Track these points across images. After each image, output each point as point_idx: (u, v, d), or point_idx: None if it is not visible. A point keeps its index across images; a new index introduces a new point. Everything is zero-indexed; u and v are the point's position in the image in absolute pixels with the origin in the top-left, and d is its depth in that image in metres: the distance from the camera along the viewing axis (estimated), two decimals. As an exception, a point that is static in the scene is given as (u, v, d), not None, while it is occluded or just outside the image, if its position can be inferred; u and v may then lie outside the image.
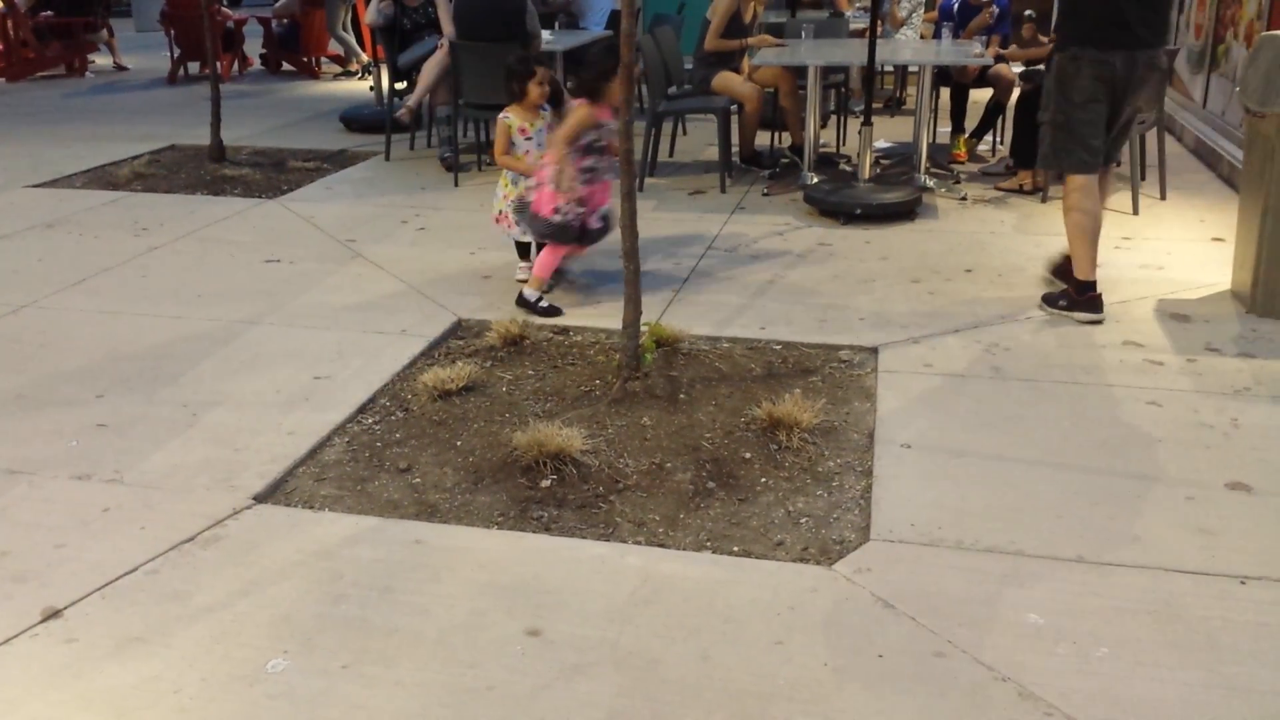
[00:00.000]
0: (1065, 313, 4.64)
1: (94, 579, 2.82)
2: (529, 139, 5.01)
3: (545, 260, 4.77)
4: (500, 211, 5.08)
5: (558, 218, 4.65)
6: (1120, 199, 6.47)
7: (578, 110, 4.65)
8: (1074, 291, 4.66)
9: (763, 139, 7.94)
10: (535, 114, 5.04)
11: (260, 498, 3.25)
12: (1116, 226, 5.98)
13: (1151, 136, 6.67)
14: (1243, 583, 2.78)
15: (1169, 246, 5.62)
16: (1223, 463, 3.38)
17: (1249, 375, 4.01)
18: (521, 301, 4.74)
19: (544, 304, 4.72)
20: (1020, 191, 6.78)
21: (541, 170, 4.77)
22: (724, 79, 7.32)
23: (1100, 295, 4.62)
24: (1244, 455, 3.43)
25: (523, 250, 5.17)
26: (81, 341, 4.46)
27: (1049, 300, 4.74)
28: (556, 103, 5.05)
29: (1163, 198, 6.52)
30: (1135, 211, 6.21)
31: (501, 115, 5.03)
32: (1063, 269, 4.86)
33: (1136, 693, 2.38)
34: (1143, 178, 6.49)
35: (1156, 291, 4.92)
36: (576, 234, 4.71)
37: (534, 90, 4.98)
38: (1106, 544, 2.95)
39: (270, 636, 2.59)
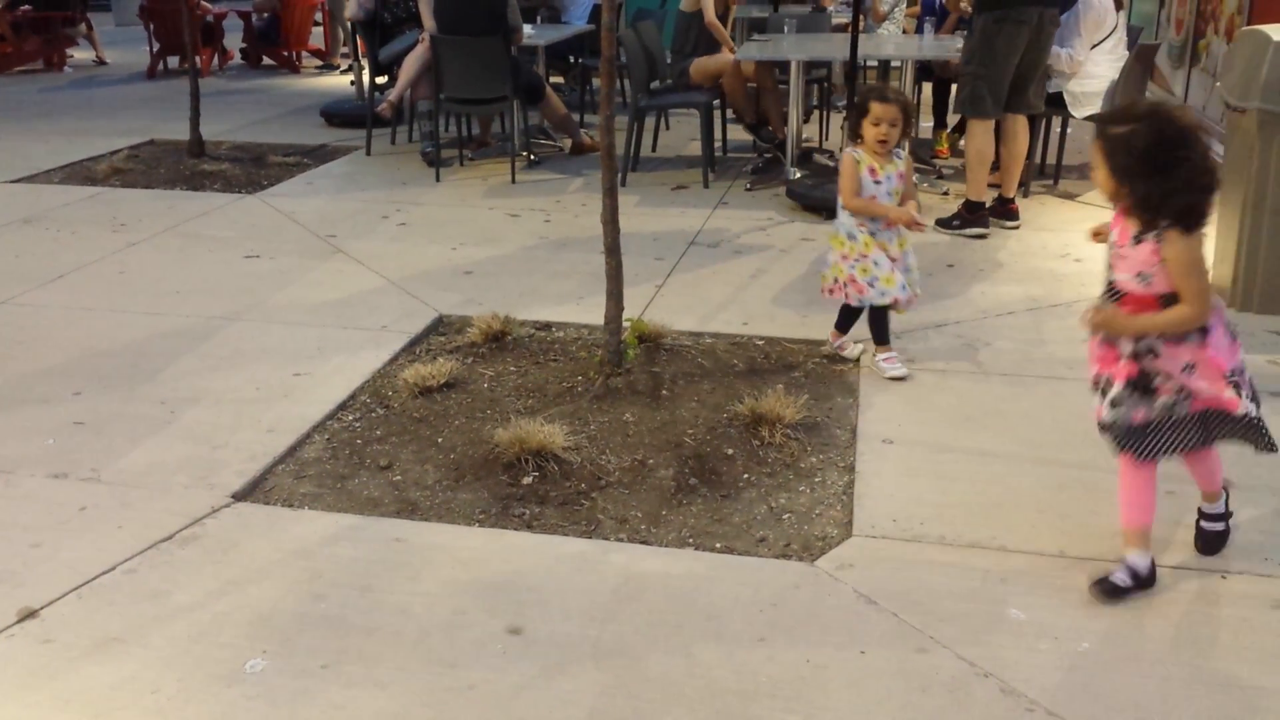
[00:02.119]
0: (958, 231, 5.74)
1: (71, 578, 2.79)
2: (878, 183, 3.97)
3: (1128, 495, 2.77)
4: (835, 280, 4.03)
5: (1112, 414, 2.68)
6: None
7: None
8: (965, 211, 5.79)
9: (746, 135, 7.93)
10: (888, 155, 4.00)
11: (239, 496, 3.22)
12: (1098, 221, 5.97)
13: (1132, 131, 6.67)
14: (1224, 577, 2.78)
15: (1150, 241, 5.62)
16: (1203, 457, 3.38)
17: (1229, 370, 4.02)
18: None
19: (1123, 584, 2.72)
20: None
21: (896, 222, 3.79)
22: (699, 64, 7.31)
23: (987, 215, 5.78)
24: (1224, 450, 3.43)
25: (845, 318, 4.18)
26: (59, 339, 4.41)
27: (942, 223, 5.83)
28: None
29: (1144, 192, 6.52)
30: (1116, 206, 6.21)
31: (848, 150, 4.04)
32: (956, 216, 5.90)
33: (1118, 688, 2.38)
34: (1124, 172, 6.49)
35: (1137, 286, 4.93)
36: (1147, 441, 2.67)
37: (868, 131, 3.92)
38: (1088, 538, 2.95)
39: (249, 636, 2.57)
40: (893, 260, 3.96)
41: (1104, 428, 2.71)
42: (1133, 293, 2.70)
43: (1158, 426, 2.65)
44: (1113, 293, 2.77)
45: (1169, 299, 2.62)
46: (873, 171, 3.96)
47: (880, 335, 4.07)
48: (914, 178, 4.09)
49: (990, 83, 5.61)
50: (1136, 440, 2.66)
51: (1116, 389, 2.66)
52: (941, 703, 2.34)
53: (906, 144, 4.05)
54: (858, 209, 3.96)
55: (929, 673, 2.44)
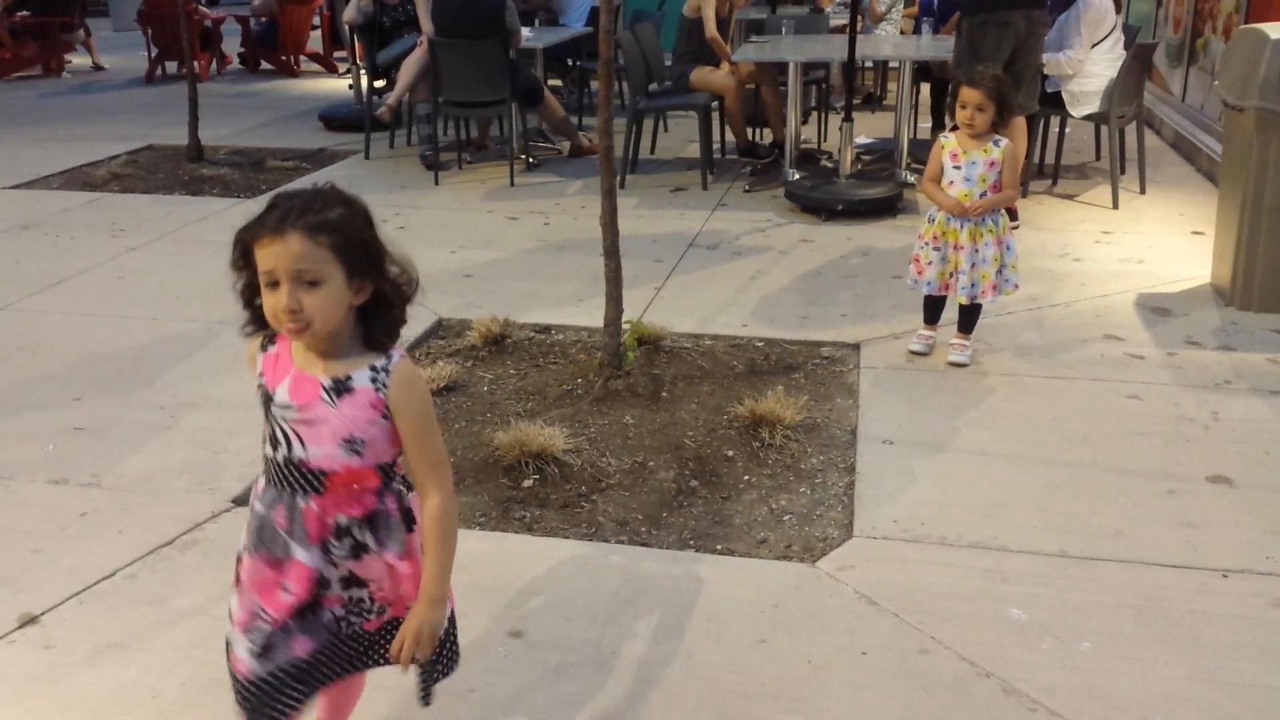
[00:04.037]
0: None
1: (71, 584, 2.79)
2: (957, 168, 3.94)
3: None
4: (915, 260, 4.10)
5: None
6: (1100, 193, 6.49)
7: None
8: None
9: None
10: (979, 140, 3.92)
11: (239, 500, 3.21)
12: (1097, 221, 5.99)
13: (1131, 131, 6.69)
14: (1224, 576, 2.78)
15: (1149, 240, 5.63)
16: (1203, 456, 3.39)
17: (1229, 368, 4.03)
18: None
19: None
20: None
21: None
22: (701, 74, 7.31)
23: None
24: (1224, 448, 3.44)
25: (932, 309, 4.21)
26: (58, 344, 4.41)
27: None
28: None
29: (1142, 192, 6.53)
30: (1115, 206, 6.22)
31: (942, 134, 4.08)
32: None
33: (1119, 687, 2.38)
34: (1122, 172, 6.51)
35: (1137, 285, 4.93)
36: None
37: (958, 114, 3.91)
38: (1088, 538, 2.95)
39: (250, 641, 2.57)
40: (959, 249, 3.97)
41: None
42: (334, 472, 1.74)
43: None
44: (303, 480, 1.76)
45: (387, 472, 1.76)
46: (954, 156, 3.96)
47: (960, 323, 4.14)
48: (998, 171, 3.92)
49: None
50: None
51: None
52: (943, 703, 2.34)
53: (1005, 135, 4.00)
54: (925, 194, 4.07)
55: (931, 673, 2.43)
